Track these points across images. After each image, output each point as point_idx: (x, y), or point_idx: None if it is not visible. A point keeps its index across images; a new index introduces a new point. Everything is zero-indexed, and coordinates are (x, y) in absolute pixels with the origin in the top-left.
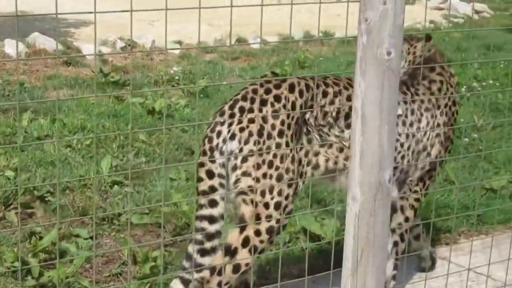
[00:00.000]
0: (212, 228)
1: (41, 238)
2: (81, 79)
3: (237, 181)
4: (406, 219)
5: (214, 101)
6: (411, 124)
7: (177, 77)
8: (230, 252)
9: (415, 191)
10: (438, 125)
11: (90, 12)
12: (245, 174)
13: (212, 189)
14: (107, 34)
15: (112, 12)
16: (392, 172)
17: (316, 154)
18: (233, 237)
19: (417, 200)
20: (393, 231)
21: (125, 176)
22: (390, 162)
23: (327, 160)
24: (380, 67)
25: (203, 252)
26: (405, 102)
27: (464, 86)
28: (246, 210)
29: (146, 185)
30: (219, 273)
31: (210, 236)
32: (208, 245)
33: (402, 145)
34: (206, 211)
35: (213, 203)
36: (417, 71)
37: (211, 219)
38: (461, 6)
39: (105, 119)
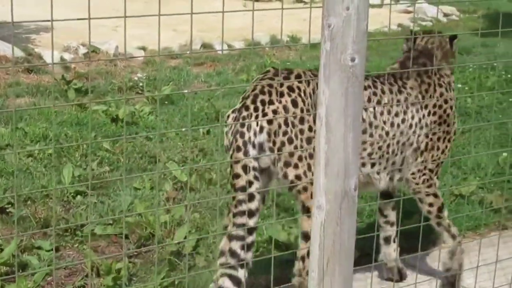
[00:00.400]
0: (251, 222)
1: (1, 250)
2: (43, 86)
3: (285, 176)
4: (430, 204)
5: (179, 107)
6: (396, 114)
7: (141, 84)
8: (308, 237)
9: (424, 181)
10: (426, 125)
11: (47, 21)
12: (287, 164)
13: (249, 184)
14: (69, 41)
15: (70, 20)
16: (357, 180)
17: (308, 140)
18: (305, 223)
19: (430, 186)
20: (428, 218)
21: (88, 186)
22: (356, 170)
23: None
24: (344, 73)
25: (246, 248)
26: (391, 92)
27: None
28: (304, 197)
29: (109, 194)
30: (302, 259)
31: (250, 231)
32: (250, 239)
33: (387, 133)
34: (245, 206)
35: (251, 198)
36: (407, 65)
37: (250, 213)
38: (429, 9)
39: (68, 127)
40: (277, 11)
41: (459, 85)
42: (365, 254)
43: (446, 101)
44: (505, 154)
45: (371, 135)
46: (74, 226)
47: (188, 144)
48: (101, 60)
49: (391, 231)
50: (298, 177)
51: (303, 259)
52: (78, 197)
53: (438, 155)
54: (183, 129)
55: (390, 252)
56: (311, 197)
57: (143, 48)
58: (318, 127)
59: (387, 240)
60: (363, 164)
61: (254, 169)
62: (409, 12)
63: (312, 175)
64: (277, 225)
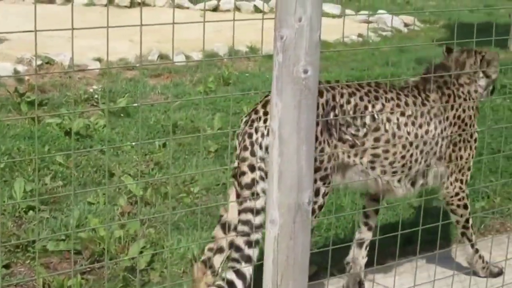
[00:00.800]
0: (256, 220)
1: None
2: None
3: None
4: (461, 215)
5: (135, 120)
6: (420, 126)
7: (96, 96)
8: None
9: (456, 194)
10: (448, 136)
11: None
12: None
13: (253, 182)
14: (23, 52)
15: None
16: (312, 193)
17: (335, 147)
18: None
19: (461, 199)
20: (456, 227)
21: (41, 201)
22: (309, 184)
23: (343, 153)
24: (297, 86)
25: (250, 244)
26: (414, 104)
27: None
28: None
29: (63, 209)
30: None
31: (255, 228)
32: (254, 237)
33: (410, 144)
34: (251, 204)
35: (256, 196)
36: (429, 78)
37: (255, 211)
38: (389, 19)
39: (20, 141)
40: (236, 22)
41: None
42: (323, 268)
43: (464, 111)
44: None
45: (394, 146)
46: (26, 242)
47: (144, 158)
48: (55, 73)
49: (367, 235)
50: None
51: None
52: (30, 212)
53: (462, 164)
54: (135, 143)
55: (358, 258)
56: None
57: (99, 59)
58: (271, 140)
59: (360, 244)
60: (384, 172)
61: (260, 169)
62: (369, 22)
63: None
64: None
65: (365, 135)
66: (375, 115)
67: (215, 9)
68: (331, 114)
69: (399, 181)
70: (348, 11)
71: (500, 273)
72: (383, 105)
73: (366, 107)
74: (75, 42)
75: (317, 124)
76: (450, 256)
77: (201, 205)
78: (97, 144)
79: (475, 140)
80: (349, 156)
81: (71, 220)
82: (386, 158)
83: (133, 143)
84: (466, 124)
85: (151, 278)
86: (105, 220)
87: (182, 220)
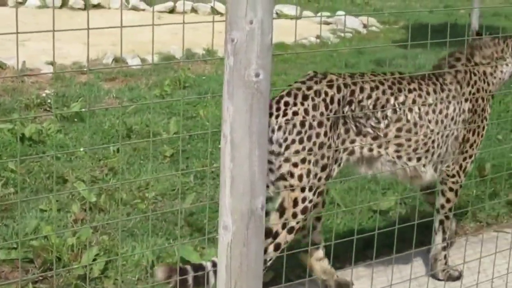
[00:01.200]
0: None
1: None
2: None
3: (279, 167)
4: (447, 200)
5: (88, 125)
6: (440, 112)
7: (49, 101)
8: (272, 234)
9: (453, 175)
10: (464, 111)
11: None
12: (286, 160)
13: None
14: None
15: None
16: (264, 199)
17: (352, 141)
18: (274, 220)
19: (455, 182)
20: (437, 211)
21: None
22: (262, 189)
23: (362, 147)
24: (248, 89)
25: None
26: (435, 92)
27: None
28: (285, 195)
29: (14, 217)
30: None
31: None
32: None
33: (432, 131)
34: None
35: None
36: (442, 62)
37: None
38: (349, 20)
39: None
40: (192, 24)
41: None
42: (279, 274)
43: (478, 90)
44: None
45: (416, 133)
46: None
47: (97, 163)
48: (7, 77)
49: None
50: (291, 174)
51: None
52: None
53: (467, 149)
54: (88, 148)
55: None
56: (293, 202)
57: (52, 63)
58: (222, 145)
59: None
60: (409, 159)
61: (270, 162)
62: (328, 23)
63: (309, 181)
64: (189, 246)
65: (387, 126)
66: (398, 107)
67: (172, 10)
68: (347, 109)
69: (424, 166)
70: (307, 13)
71: (459, 277)
72: (405, 96)
73: (388, 100)
74: (28, 45)
75: (328, 119)
76: (410, 260)
77: (156, 211)
78: (50, 150)
79: (483, 128)
80: (371, 149)
81: (27, 228)
82: (409, 146)
83: (87, 149)
84: (479, 106)
85: (104, 286)
86: (58, 227)
87: (137, 226)
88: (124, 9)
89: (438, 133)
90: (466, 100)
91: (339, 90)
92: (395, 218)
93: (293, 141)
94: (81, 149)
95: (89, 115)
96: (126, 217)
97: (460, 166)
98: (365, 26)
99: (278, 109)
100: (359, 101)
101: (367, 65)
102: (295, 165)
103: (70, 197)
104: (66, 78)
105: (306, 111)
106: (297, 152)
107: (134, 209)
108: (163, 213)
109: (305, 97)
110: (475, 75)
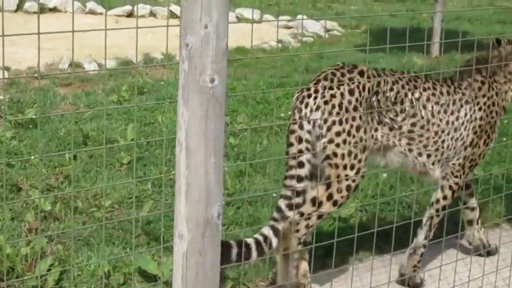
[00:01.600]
0: (299, 186)
1: None
2: None
3: (324, 148)
4: (444, 197)
5: (44, 131)
6: (452, 113)
7: (3, 107)
8: (317, 204)
9: (456, 176)
10: (475, 118)
11: None
12: (330, 141)
13: (300, 152)
14: None
15: None
16: (221, 207)
17: (376, 130)
18: (320, 192)
19: (456, 183)
20: (431, 205)
21: None
22: (218, 197)
23: (382, 136)
24: (203, 95)
25: (291, 207)
26: (448, 93)
27: None
28: (331, 172)
29: None
30: (308, 218)
31: (297, 193)
32: (295, 200)
33: (443, 130)
34: (295, 172)
35: (300, 165)
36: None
37: (299, 178)
38: (310, 24)
39: None
40: (151, 28)
41: None
42: (238, 283)
43: (493, 104)
44: (385, 175)
45: (427, 130)
46: None
47: (53, 171)
48: None
49: (472, 215)
50: (335, 155)
51: (301, 215)
52: None
53: (475, 157)
54: (43, 155)
55: (474, 233)
56: (337, 178)
57: (7, 68)
58: (177, 151)
59: (470, 222)
60: (420, 154)
61: (307, 141)
62: (289, 27)
63: (350, 161)
64: (146, 255)
65: (403, 119)
66: (414, 102)
67: (130, 14)
68: (374, 98)
69: (433, 163)
70: (268, 16)
71: (421, 284)
72: (420, 93)
73: (406, 95)
74: None
75: (360, 105)
76: (370, 268)
77: (113, 219)
78: (4, 157)
79: (492, 140)
80: (388, 139)
81: None
82: (420, 141)
83: (41, 156)
84: (492, 117)
85: None
86: (11, 236)
87: (93, 235)
88: (81, 13)
89: (448, 134)
90: (480, 109)
91: (369, 79)
92: (355, 225)
93: (334, 122)
94: (35, 156)
95: (44, 122)
96: (81, 226)
97: (463, 167)
98: (326, 30)
99: (316, 91)
100: (384, 92)
101: None
102: (338, 145)
103: (24, 206)
104: (20, 84)
105: (342, 95)
106: (338, 134)
107: (90, 218)
108: (120, 222)
109: (341, 82)
110: (493, 89)
